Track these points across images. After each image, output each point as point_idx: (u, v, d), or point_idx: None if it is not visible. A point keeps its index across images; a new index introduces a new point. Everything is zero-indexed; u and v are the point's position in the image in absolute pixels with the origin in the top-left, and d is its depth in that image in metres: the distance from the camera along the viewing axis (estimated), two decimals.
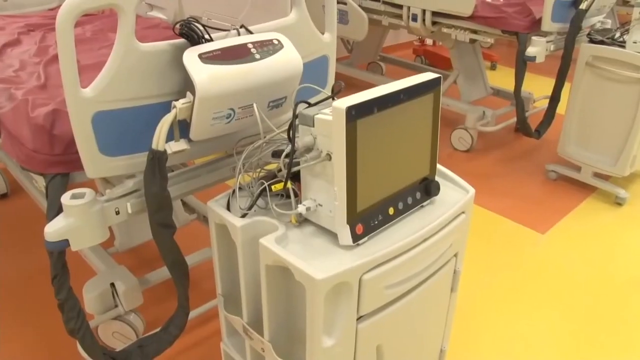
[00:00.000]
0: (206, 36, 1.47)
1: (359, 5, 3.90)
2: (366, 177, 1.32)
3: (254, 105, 1.47)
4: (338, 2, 3.82)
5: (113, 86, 1.38)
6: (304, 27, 1.75)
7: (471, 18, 3.37)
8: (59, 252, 1.48)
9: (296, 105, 1.36)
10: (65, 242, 1.45)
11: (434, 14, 3.54)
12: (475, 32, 3.50)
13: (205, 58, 1.40)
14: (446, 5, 3.40)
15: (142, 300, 2.02)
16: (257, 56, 1.48)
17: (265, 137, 1.51)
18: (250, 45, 1.49)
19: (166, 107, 1.46)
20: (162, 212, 1.45)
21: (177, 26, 1.45)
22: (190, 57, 1.39)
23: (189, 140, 1.49)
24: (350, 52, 4.89)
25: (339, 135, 1.22)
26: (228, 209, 1.49)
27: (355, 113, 1.23)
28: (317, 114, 1.31)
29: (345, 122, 1.21)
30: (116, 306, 2.01)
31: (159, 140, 1.39)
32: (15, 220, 2.95)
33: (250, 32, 1.57)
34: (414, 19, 3.63)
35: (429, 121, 1.47)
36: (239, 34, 1.57)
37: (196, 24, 1.45)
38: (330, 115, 1.27)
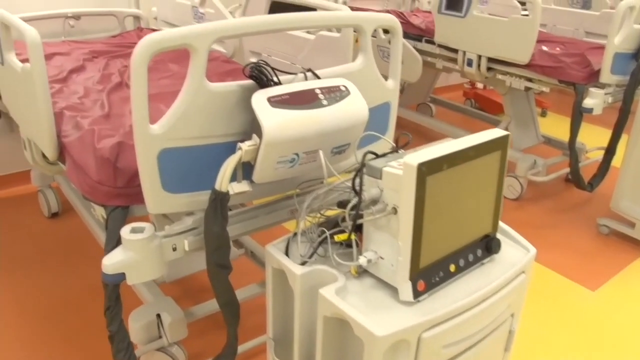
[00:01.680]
0: (274, 79, 1.47)
1: (414, 47, 3.91)
2: (431, 234, 1.29)
3: (320, 152, 1.47)
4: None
5: (181, 124, 1.39)
6: (369, 73, 1.75)
7: (528, 66, 3.33)
8: (114, 284, 1.48)
9: (364, 155, 1.35)
10: (122, 276, 1.45)
11: (490, 59, 3.52)
12: (530, 80, 3.46)
13: (274, 102, 1.40)
14: (503, 53, 3.37)
15: (187, 333, 2.00)
16: (325, 102, 1.47)
17: (326, 181, 1.50)
18: (318, 91, 1.49)
19: (231, 148, 1.47)
20: (220, 252, 1.44)
21: (247, 68, 1.45)
22: (259, 100, 1.40)
23: (251, 182, 1.49)
24: (402, 92, 4.88)
25: (409, 191, 1.21)
26: (286, 253, 1.47)
27: (425, 169, 1.21)
28: (385, 166, 1.29)
29: (416, 179, 1.19)
30: (160, 337, 2.00)
31: (222, 181, 1.39)
32: (65, 239, 2.99)
33: (317, 77, 1.57)
34: (469, 64, 3.61)
35: (495, 178, 1.45)
36: (306, 78, 1.57)
37: (266, 67, 1.46)
38: (399, 169, 1.26)
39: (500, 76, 3.58)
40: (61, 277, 2.67)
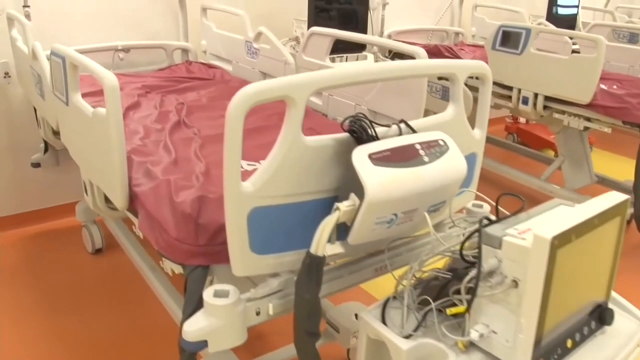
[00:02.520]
0: (373, 133, 1.36)
1: (465, 84, 3.79)
2: (553, 308, 1.17)
3: (426, 214, 1.36)
4: (441, 78, 3.73)
5: (274, 181, 1.29)
6: (459, 123, 1.65)
7: (589, 106, 3.21)
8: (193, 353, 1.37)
9: (480, 222, 1.24)
10: (204, 344, 1.34)
11: (547, 98, 3.40)
12: (589, 119, 3.33)
13: (376, 159, 1.30)
14: (563, 92, 3.26)
15: None
16: (426, 159, 1.37)
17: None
18: (418, 146, 1.38)
19: (322, 205, 1.36)
20: (311, 319, 1.33)
21: (347, 123, 1.35)
22: (360, 157, 1.29)
23: (344, 242, 1.38)
24: None
25: (538, 266, 1.09)
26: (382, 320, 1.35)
27: (557, 242, 1.09)
28: (505, 235, 1.17)
29: (548, 252, 1.07)
30: None
31: (319, 244, 1.28)
32: (110, 276, 2.89)
33: (412, 129, 1.47)
34: (525, 102, 3.49)
35: (613, 244, 1.33)
36: (399, 130, 1.46)
37: (365, 121, 1.35)
38: (522, 240, 1.14)
39: (557, 115, 3.45)
40: (107, 317, 2.56)
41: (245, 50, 3.00)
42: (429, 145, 1.41)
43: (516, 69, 3.46)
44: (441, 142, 1.44)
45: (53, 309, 2.61)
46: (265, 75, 2.92)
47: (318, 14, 3.36)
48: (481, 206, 1.81)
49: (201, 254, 1.43)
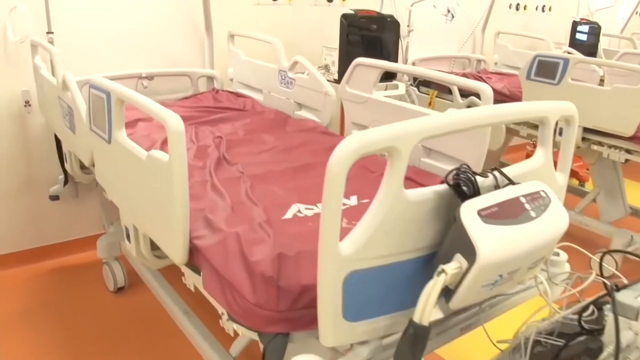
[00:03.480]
0: (477, 186, 1.23)
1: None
2: None
3: (541, 277, 1.21)
4: (472, 107, 3.60)
5: (374, 241, 1.14)
6: (548, 169, 1.51)
7: (631, 138, 3.09)
8: None
9: (611, 289, 1.09)
10: None
11: (586, 129, 3.28)
12: (629, 151, 3.21)
13: (485, 216, 1.16)
14: (604, 123, 3.14)
15: None
16: (533, 214, 1.23)
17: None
18: (522, 200, 1.24)
19: (419, 264, 1.23)
20: None
21: (452, 176, 1.21)
22: (469, 215, 1.15)
23: (442, 305, 1.23)
24: None
25: None
26: None
27: None
28: None
29: None
30: None
31: (423, 313, 1.13)
32: (134, 316, 2.73)
33: (509, 179, 1.33)
34: (561, 133, 3.36)
35: None
36: (495, 180, 1.32)
37: (471, 174, 1.22)
38: None
39: (595, 147, 3.33)
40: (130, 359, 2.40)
41: (279, 79, 2.87)
42: (533, 198, 1.27)
43: (553, 99, 3.32)
44: (543, 194, 1.31)
45: (73, 354, 2.45)
46: (300, 106, 2.78)
47: (349, 41, 3.24)
48: (558, 254, 1.67)
49: (282, 321, 1.28)
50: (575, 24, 4.91)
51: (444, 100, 3.81)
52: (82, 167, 2.45)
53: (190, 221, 1.51)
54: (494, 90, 3.65)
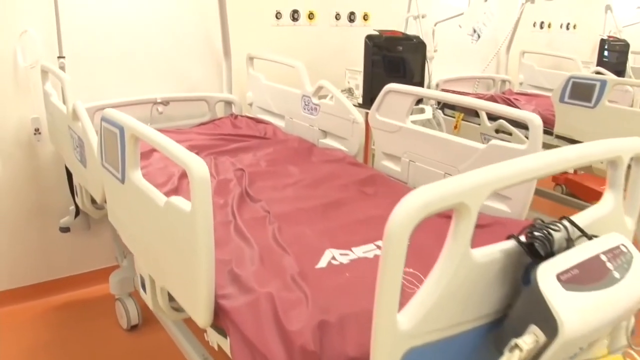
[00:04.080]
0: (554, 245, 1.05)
1: (525, 137, 3.49)
2: None
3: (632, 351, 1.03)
4: (501, 132, 3.44)
5: (435, 312, 0.97)
6: (618, 214, 1.33)
7: None
8: None
9: None
10: None
11: None
12: None
13: (565, 281, 0.98)
14: None
15: None
16: (616, 274, 1.06)
17: None
18: (603, 258, 1.07)
19: (482, 333, 1.05)
20: None
21: (527, 233, 1.04)
22: (548, 280, 0.97)
23: None
24: None
25: None
26: None
27: None
28: None
29: None
30: None
31: None
32: (148, 357, 2.55)
33: (580, 230, 1.15)
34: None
35: None
36: (566, 232, 1.14)
37: (547, 230, 1.04)
38: None
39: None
40: None
41: (302, 105, 2.71)
42: (614, 255, 1.10)
43: (589, 123, 3.16)
44: (624, 249, 1.13)
45: None
46: (325, 134, 2.62)
47: (374, 64, 3.08)
48: None
49: None
50: (603, 42, 4.74)
51: (471, 124, 3.64)
52: (94, 201, 2.29)
53: (215, 276, 1.34)
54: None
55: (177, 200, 1.30)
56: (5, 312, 2.88)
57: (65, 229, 2.90)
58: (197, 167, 1.20)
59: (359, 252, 1.61)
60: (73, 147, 2.20)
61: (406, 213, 0.86)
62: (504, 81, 4.53)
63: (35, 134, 2.81)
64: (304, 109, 2.70)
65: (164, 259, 1.41)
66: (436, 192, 0.89)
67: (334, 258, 1.55)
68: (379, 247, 1.64)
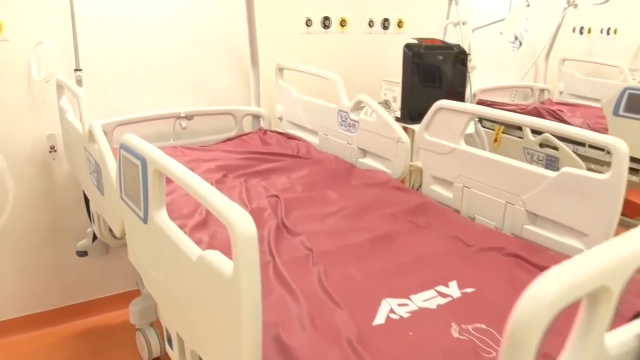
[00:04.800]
0: None
1: (574, 152, 3.24)
2: None
3: None
4: (545, 146, 3.19)
5: None
6: None
7: None
8: None
9: None
10: None
11: None
12: None
13: None
14: None
15: None
16: None
17: None
18: None
19: None
20: None
21: None
22: None
23: None
24: None
25: None
26: None
27: None
28: None
29: None
30: None
31: None
32: None
33: None
34: None
35: None
36: None
37: None
38: None
39: None
40: None
41: (339, 120, 2.48)
42: None
43: None
44: None
45: None
46: (365, 153, 2.39)
47: (414, 74, 2.85)
48: None
49: None
50: None
51: (512, 137, 3.40)
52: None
53: None
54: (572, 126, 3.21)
55: (215, 257, 1.07)
56: (18, 340, 2.68)
57: (82, 253, 2.70)
58: (243, 225, 0.96)
59: (419, 301, 1.39)
60: (89, 170, 1.99)
61: (539, 307, 0.63)
62: (542, 90, 4.28)
63: (50, 151, 2.61)
64: (341, 125, 2.48)
65: (197, 320, 1.19)
66: (575, 277, 0.66)
67: (392, 311, 1.33)
68: (440, 294, 1.42)
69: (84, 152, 2.01)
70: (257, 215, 1.85)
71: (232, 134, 2.89)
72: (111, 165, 1.70)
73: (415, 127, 2.34)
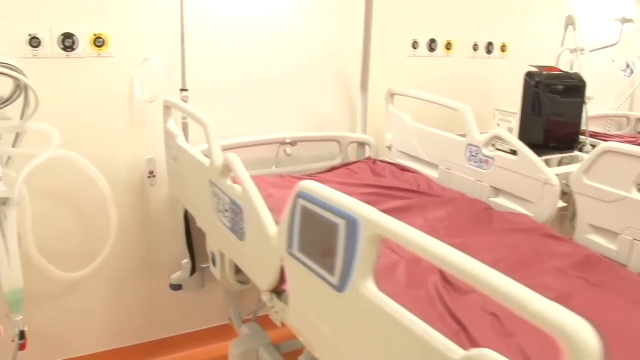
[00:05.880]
0: None
1: None
2: None
3: None
4: None
5: None
6: None
7: None
8: None
9: None
10: None
11: None
12: None
13: None
14: None
15: None
16: None
17: None
18: None
19: None
20: None
21: None
22: None
23: None
24: None
25: None
26: None
27: None
28: None
29: None
30: None
31: None
32: None
33: None
34: None
35: None
36: None
37: None
38: None
39: None
40: None
41: (467, 155, 2.27)
42: None
43: None
44: None
45: None
46: (498, 192, 2.18)
47: (535, 105, 2.63)
48: None
49: None
50: None
51: None
52: (238, 270, 1.88)
53: None
54: None
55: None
56: None
57: (176, 287, 2.52)
58: (587, 341, 0.74)
59: None
60: (216, 207, 1.80)
61: None
62: (639, 119, 4.03)
63: (149, 176, 2.43)
64: (470, 159, 2.27)
65: None
66: None
67: None
68: None
69: (209, 185, 1.82)
70: (412, 268, 1.64)
71: (336, 161, 2.69)
72: (263, 212, 1.50)
73: None
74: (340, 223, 1.14)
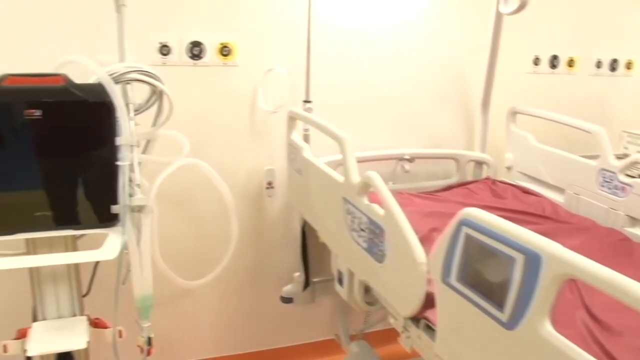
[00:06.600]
0: None
1: None
2: None
3: None
4: None
5: None
6: None
7: None
8: None
9: None
10: None
11: None
12: None
13: None
14: None
15: None
16: None
17: None
18: None
19: None
20: None
21: None
22: None
23: None
24: None
25: None
26: None
27: None
28: None
29: None
30: None
31: None
32: None
33: None
34: None
35: None
36: None
37: None
38: None
39: None
40: None
41: (599, 180, 2.16)
42: None
43: None
44: None
45: None
46: (634, 222, 2.06)
47: None
48: None
49: None
50: None
51: None
52: (367, 289, 1.85)
53: None
54: None
55: None
56: None
57: (287, 300, 2.51)
58: None
59: None
60: (349, 226, 1.77)
61: None
62: None
63: (267, 187, 2.43)
64: (603, 185, 2.16)
65: None
66: None
67: None
68: None
69: (343, 202, 1.79)
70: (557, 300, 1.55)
71: (453, 180, 2.62)
72: (411, 236, 1.45)
73: None
74: (518, 258, 1.08)
